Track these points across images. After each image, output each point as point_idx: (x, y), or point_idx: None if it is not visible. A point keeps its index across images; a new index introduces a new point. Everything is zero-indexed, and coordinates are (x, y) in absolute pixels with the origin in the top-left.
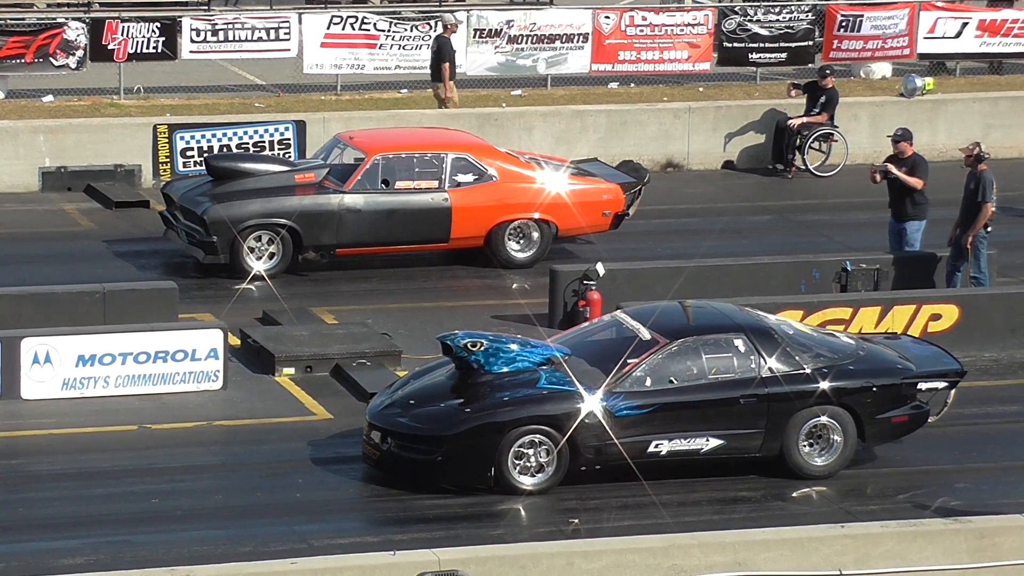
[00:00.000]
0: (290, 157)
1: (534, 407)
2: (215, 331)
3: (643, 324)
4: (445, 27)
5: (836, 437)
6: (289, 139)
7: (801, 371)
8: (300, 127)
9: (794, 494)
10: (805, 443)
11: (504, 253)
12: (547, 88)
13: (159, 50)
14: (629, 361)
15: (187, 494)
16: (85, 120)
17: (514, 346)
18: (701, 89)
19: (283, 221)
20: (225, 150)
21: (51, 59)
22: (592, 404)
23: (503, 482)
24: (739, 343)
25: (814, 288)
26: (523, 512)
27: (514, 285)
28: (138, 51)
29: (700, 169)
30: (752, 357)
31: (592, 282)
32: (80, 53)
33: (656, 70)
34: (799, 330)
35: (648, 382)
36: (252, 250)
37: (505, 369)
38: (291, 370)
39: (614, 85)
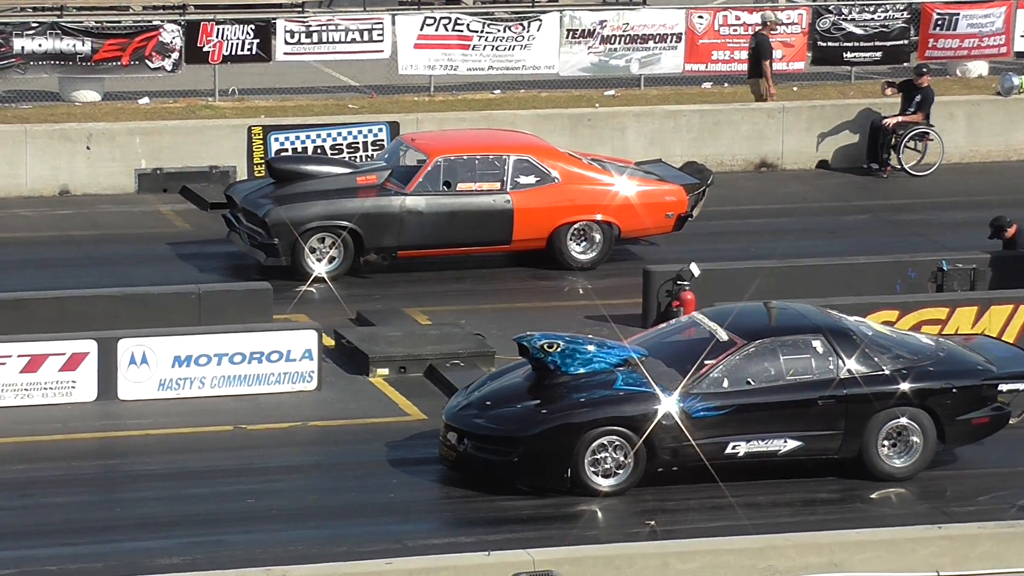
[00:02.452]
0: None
1: (611, 408)
2: (310, 332)
3: (720, 325)
4: (765, 23)
5: (916, 439)
6: (383, 140)
7: (880, 372)
8: (394, 128)
9: (872, 496)
10: (884, 445)
11: (566, 255)
12: (640, 88)
13: (253, 52)
14: (707, 362)
15: (282, 494)
16: (180, 122)
17: (591, 347)
18: (795, 88)
19: (344, 223)
20: (319, 151)
21: (147, 61)
22: (669, 405)
23: (579, 483)
24: (817, 344)
25: (910, 288)
26: (600, 513)
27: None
28: (233, 53)
29: (794, 169)
30: (831, 358)
31: (686, 282)
32: (175, 55)
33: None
34: (878, 331)
35: (725, 383)
36: (314, 251)
37: (582, 370)
38: (385, 371)
39: (707, 85)
